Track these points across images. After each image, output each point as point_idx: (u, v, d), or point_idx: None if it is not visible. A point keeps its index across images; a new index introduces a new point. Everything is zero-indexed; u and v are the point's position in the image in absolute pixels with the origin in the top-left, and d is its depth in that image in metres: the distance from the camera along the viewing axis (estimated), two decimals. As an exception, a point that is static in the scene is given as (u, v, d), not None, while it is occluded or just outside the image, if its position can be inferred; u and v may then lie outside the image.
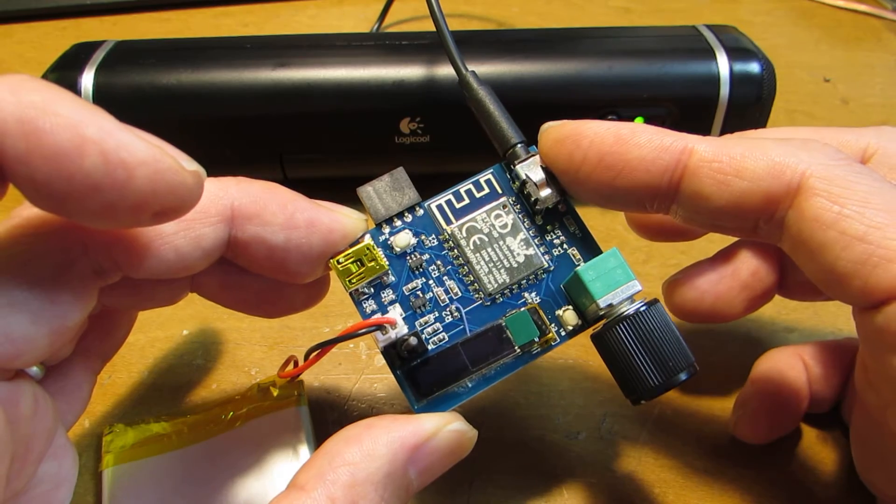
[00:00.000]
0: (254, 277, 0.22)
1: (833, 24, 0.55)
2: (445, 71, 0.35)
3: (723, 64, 0.35)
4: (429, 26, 0.32)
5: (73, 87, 0.34)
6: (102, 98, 0.35)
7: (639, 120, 0.36)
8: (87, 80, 0.35)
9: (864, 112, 0.46)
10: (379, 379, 0.30)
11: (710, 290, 0.25)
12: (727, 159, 0.20)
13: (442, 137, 0.36)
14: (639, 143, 0.20)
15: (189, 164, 0.17)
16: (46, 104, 0.14)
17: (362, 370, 0.30)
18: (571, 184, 0.22)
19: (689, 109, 0.36)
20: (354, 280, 0.22)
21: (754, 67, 0.36)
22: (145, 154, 0.15)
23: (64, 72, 0.35)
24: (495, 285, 0.22)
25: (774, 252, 0.25)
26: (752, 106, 0.36)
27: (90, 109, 0.15)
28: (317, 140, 0.36)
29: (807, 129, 0.25)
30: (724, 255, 0.26)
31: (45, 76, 0.36)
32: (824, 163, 0.19)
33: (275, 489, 0.25)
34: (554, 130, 0.22)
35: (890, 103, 0.46)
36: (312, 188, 0.29)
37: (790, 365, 0.26)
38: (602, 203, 0.22)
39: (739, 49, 0.36)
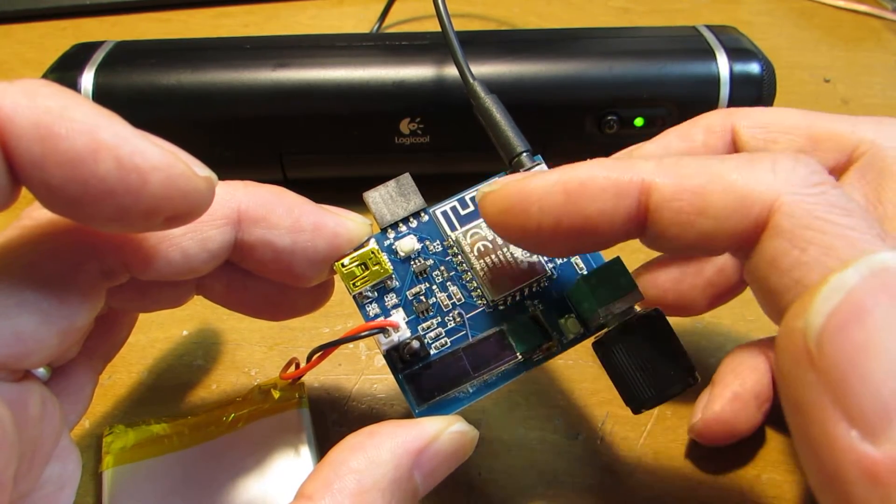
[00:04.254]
0: (259, 281, 0.23)
1: (833, 24, 0.55)
2: (446, 72, 0.35)
3: (723, 64, 0.35)
4: (429, 27, 0.32)
5: (73, 88, 0.34)
6: (102, 98, 0.34)
7: (639, 121, 0.36)
8: (87, 80, 0.35)
9: (863, 112, 0.45)
10: (379, 379, 0.30)
11: (672, 289, 0.25)
12: (688, 196, 0.17)
13: (442, 138, 0.36)
14: (592, 194, 0.18)
15: (201, 171, 0.17)
16: (62, 109, 0.14)
17: (362, 371, 0.30)
18: (536, 249, 0.20)
19: (689, 110, 0.36)
20: (358, 283, 0.22)
21: (754, 68, 0.36)
22: (159, 160, 0.15)
23: (64, 72, 0.35)
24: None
25: None
26: (752, 106, 0.36)
27: (105, 115, 0.15)
28: (317, 140, 0.36)
29: (799, 112, 0.24)
30: None
31: (45, 76, 0.36)
32: (795, 191, 0.16)
33: (276, 491, 0.25)
34: (494, 199, 0.19)
35: (890, 103, 0.47)
36: (313, 188, 0.29)
37: (752, 366, 0.25)
38: (577, 253, 0.21)
39: (739, 49, 0.36)
